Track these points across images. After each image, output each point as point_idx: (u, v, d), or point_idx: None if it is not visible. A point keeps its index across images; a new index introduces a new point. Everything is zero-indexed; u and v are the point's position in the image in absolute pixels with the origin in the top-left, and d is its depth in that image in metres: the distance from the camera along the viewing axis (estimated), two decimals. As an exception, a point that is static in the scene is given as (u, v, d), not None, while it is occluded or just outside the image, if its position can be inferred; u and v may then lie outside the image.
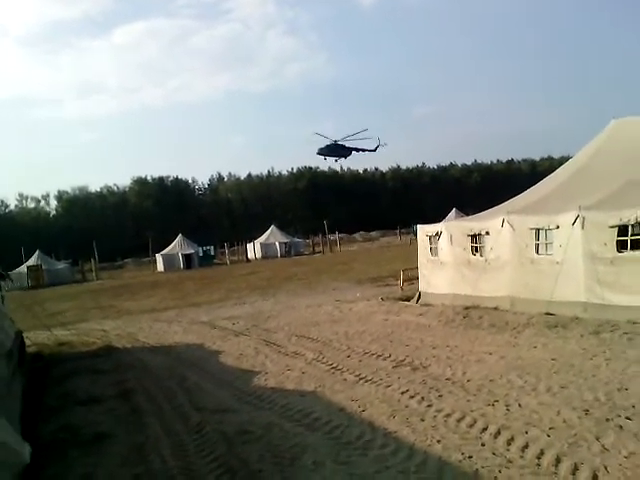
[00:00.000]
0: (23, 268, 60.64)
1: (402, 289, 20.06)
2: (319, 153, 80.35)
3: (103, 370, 11.63)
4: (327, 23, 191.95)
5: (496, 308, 13.82)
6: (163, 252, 64.02)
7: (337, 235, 69.90)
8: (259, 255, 64.87)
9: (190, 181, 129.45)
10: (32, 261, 61.71)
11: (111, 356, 13.38)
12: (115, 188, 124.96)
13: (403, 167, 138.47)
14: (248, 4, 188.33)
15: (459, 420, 6.73)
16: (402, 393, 8.03)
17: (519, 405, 7.03)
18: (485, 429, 6.37)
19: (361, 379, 9.06)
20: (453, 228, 16.15)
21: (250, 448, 6.47)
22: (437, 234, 16.63)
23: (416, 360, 9.90)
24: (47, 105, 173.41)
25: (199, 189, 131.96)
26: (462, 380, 8.39)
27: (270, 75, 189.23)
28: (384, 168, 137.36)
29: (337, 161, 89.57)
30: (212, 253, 66.12)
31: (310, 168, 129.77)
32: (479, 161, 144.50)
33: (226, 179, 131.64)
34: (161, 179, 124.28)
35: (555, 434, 6.02)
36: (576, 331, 10.78)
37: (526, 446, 5.81)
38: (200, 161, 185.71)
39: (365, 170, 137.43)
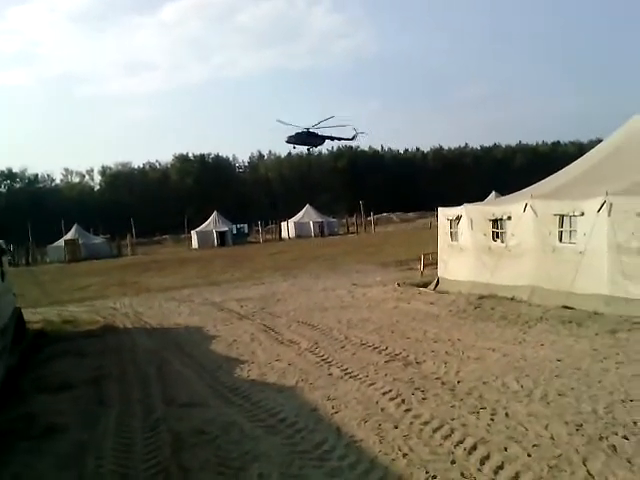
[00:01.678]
0: (61, 242, 61.64)
1: (422, 274, 19.18)
2: (288, 142, 78.23)
3: (89, 352, 11.22)
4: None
5: (513, 298, 12.92)
6: (198, 229, 64.22)
7: (372, 216, 68.82)
8: (293, 234, 64.44)
9: (231, 159, 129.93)
10: (70, 235, 62.61)
11: (106, 337, 13.00)
12: (157, 164, 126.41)
13: (445, 147, 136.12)
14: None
15: (435, 430, 5.99)
16: (384, 393, 7.30)
17: (506, 414, 6.23)
18: (461, 442, 5.62)
19: (347, 374, 8.38)
20: (474, 212, 15.19)
21: (198, 453, 5.87)
22: (457, 218, 15.72)
23: (412, 355, 9.15)
24: (94, 82, 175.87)
25: (239, 167, 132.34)
26: (453, 381, 7.61)
27: (314, 52, 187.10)
28: (425, 149, 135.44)
29: (309, 150, 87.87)
30: (246, 231, 66.05)
31: (350, 147, 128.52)
32: (524, 142, 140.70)
33: (266, 157, 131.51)
34: (202, 156, 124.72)
35: (537, 453, 5.23)
36: (591, 329, 9.83)
37: (501, 467, 5.05)
38: (241, 139, 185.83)
39: (406, 150, 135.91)
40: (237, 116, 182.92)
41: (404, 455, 5.47)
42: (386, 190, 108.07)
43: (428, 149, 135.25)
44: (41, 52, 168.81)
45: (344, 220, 73.36)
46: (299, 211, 70.05)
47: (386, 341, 10.24)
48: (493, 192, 58.70)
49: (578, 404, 6.35)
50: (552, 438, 5.52)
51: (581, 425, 5.74)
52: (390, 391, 7.37)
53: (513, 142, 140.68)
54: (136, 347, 11.61)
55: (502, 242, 14.02)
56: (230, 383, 8.44)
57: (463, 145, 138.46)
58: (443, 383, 7.56)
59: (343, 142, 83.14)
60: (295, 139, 75.84)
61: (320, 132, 75.72)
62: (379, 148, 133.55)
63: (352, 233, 64.56)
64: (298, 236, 62.95)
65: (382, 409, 6.77)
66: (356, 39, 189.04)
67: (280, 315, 13.96)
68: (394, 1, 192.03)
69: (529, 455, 5.21)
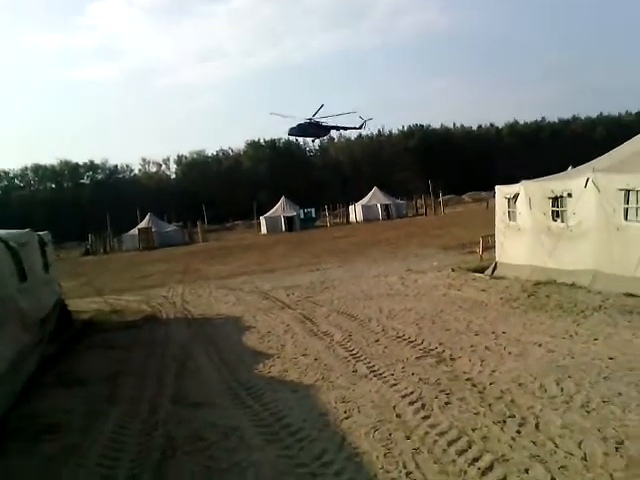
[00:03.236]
0: (135, 230, 63.28)
1: (482, 258, 18.10)
2: (290, 134, 76.28)
3: (121, 345, 11.02)
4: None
5: (572, 285, 11.77)
6: (266, 215, 64.47)
7: (441, 196, 66.85)
8: (361, 218, 63.55)
9: (301, 143, 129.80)
10: (144, 224, 64.13)
11: (144, 328, 12.83)
12: (230, 151, 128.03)
13: (521, 122, 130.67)
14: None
15: (451, 442, 5.22)
16: (404, 396, 6.56)
17: (536, 426, 5.38)
18: (477, 460, 4.85)
19: (372, 372, 7.67)
20: (532, 189, 13.98)
21: (186, 463, 5.38)
22: (515, 196, 14.58)
23: (447, 350, 8.34)
24: (168, 72, 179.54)
25: (310, 151, 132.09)
26: (485, 382, 6.76)
27: (382, 30, 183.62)
28: (500, 124, 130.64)
29: (314, 141, 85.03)
30: (313, 216, 65.65)
31: (422, 126, 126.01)
32: (605, 113, 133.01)
33: (336, 140, 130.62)
34: (273, 141, 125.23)
35: (562, 478, 4.40)
36: (656, 320, 8.70)
37: (517, 494, 4.27)
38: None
39: (480, 127, 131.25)
40: (307, 99, 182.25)
41: (407, 474, 4.76)
42: (459, 168, 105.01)
43: (502, 124, 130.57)
44: (119, 46, 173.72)
45: (414, 202, 71.64)
46: (367, 193, 69.02)
47: (424, 333, 9.45)
48: (570, 167, 55.64)
49: (624, 414, 5.40)
50: (584, 459, 4.66)
51: (622, 443, 4.83)
52: (412, 393, 6.62)
53: (593, 114, 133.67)
54: (169, 340, 11.29)
55: (562, 222, 12.84)
56: (246, 380, 7.91)
57: (540, 119, 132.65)
58: (474, 385, 6.72)
59: (350, 130, 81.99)
60: (297, 131, 74.60)
61: (324, 122, 74.10)
62: (451, 125, 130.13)
63: (421, 215, 63.12)
64: (366, 219, 61.97)
65: (398, 415, 6.04)
66: (424, 15, 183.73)
67: (323, 304, 13.36)
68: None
69: (553, 480, 4.39)
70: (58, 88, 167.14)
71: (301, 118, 73.26)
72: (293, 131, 74.71)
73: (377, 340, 9.39)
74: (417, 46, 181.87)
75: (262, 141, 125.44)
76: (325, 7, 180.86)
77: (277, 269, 23.34)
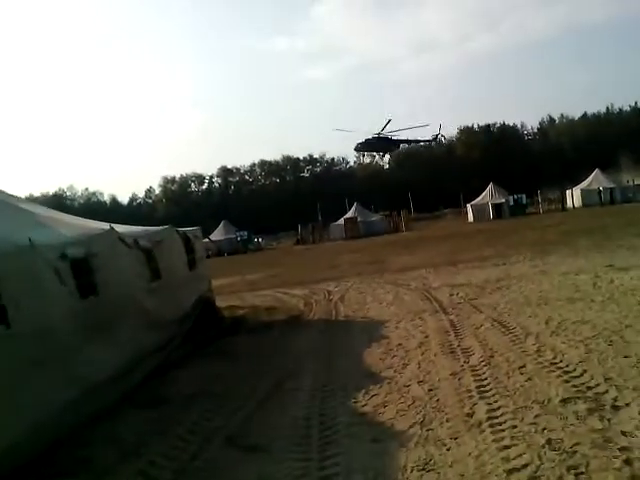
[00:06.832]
0: (342, 220, 64.36)
1: None
2: (357, 149, 70.66)
3: (232, 353, 9.97)
4: None
5: None
6: (473, 202, 61.07)
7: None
8: (579, 203, 57.12)
9: (519, 126, 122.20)
10: (350, 214, 65.03)
11: (277, 330, 11.80)
12: (443, 139, 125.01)
13: None
14: None
15: None
16: (511, 471, 4.40)
17: None
18: None
19: (490, 419, 5.51)
20: None
21: None
22: None
23: (612, 391, 5.81)
24: (385, 66, 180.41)
25: (527, 134, 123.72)
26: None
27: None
28: None
29: (383, 156, 78.86)
30: (524, 202, 60.37)
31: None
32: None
33: (557, 121, 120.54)
34: (487, 127, 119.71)
35: None
36: None
37: None
38: (531, 104, 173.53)
39: None
40: (527, 80, 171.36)
41: None
42: None
43: None
44: (338, 45, 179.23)
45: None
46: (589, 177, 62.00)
47: (590, 360, 6.91)
48: None
49: None
50: None
51: None
52: (524, 467, 4.43)
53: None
54: (288, 350, 9.91)
55: None
56: (331, 417, 6.21)
57: None
58: (628, 461, 4.32)
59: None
60: (366, 147, 70.70)
61: (394, 136, 69.05)
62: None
63: (657, 200, 54.81)
64: (585, 205, 55.54)
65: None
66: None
67: (484, 310, 11.05)
68: None
69: None
70: (284, 89, 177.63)
71: (365, 132, 71.44)
72: (360, 147, 72.94)
73: (522, 367, 7.08)
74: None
75: (476, 126, 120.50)
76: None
77: (460, 262, 21.00)
